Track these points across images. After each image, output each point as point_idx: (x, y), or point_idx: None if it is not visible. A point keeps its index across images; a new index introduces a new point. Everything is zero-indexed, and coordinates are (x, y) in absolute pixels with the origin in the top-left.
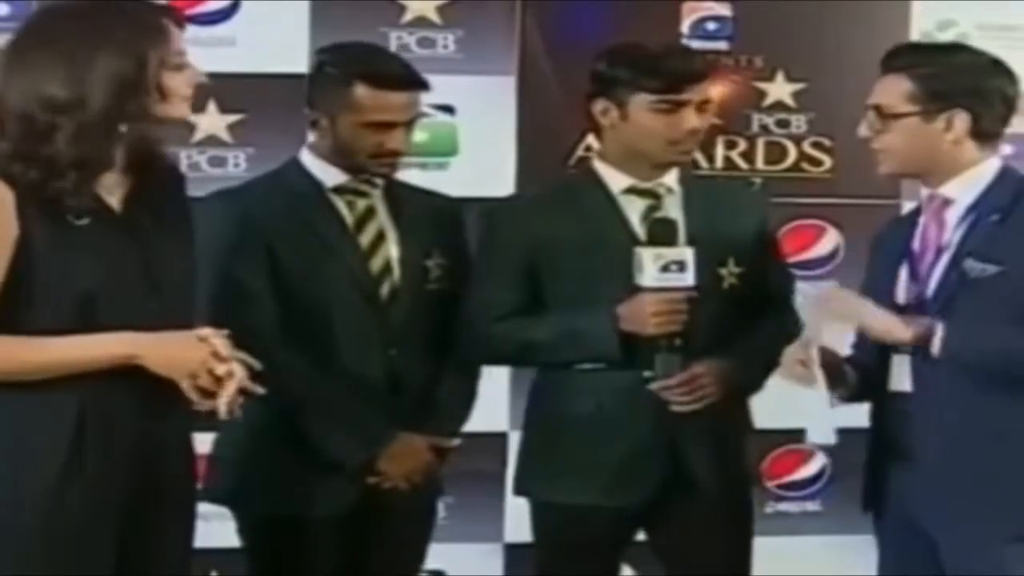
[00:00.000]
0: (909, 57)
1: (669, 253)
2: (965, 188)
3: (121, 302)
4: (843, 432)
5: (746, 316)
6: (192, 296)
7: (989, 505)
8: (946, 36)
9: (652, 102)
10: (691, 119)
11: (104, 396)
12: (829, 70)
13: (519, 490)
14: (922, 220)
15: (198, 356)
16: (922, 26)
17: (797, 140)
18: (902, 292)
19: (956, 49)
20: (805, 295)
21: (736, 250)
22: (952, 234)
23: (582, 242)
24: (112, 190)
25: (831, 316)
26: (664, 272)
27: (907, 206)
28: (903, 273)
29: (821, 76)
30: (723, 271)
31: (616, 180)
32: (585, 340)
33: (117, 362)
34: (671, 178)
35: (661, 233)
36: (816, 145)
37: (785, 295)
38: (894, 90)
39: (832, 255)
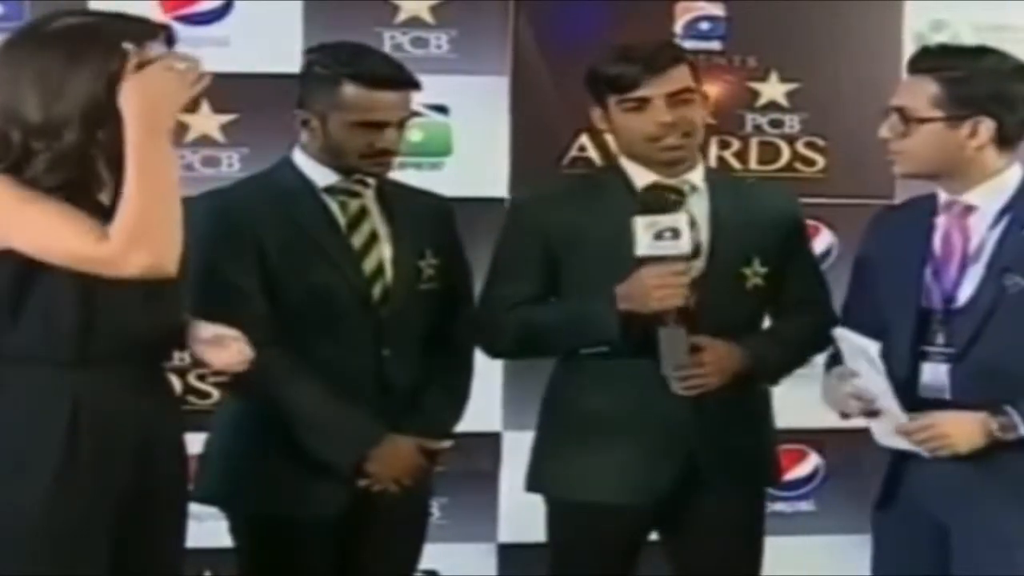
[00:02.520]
0: (935, 59)
1: (662, 220)
2: (990, 196)
3: (115, 300)
4: (835, 432)
5: (774, 317)
6: (181, 294)
7: (1013, 505)
8: (939, 37)
9: (617, 103)
10: (660, 113)
11: (98, 395)
12: (822, 70)
13: (532, 487)
14: (940, 223)
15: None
16: (915, 26)
17: (790, 140)
18: (931, 297)
19: (982, 53)
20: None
21: (762, 250)
22: (981, 243)
23: (601, 235)
24: (108, 191)
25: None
26: (658, 240)
27: None
28: (928, 276)
29: (814, 76)
30: (747, 271)
31: (640, 176)
32: (586, 322)
33: None
34: (696, 175)
35: (654, 201)
36: (809, 145)
37: (814, 299)
38: (919, 93)
39: (825, 255)
